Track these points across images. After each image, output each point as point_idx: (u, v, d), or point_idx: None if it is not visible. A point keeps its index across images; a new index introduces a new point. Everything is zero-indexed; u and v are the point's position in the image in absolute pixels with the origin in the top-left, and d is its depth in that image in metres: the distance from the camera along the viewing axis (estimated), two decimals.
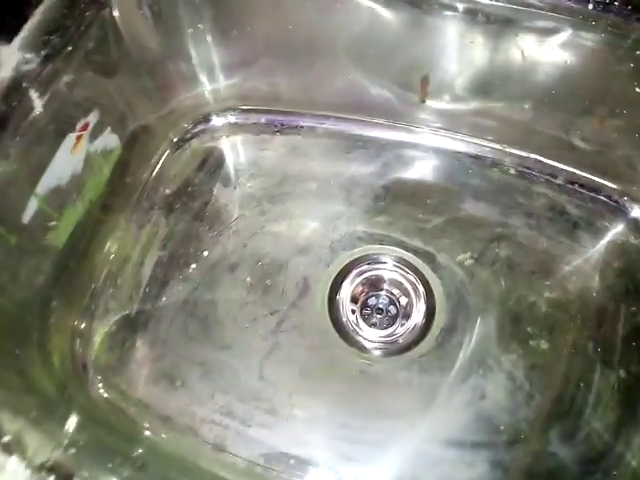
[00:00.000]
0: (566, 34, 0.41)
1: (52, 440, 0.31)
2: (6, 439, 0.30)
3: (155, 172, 0.49)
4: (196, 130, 0.51)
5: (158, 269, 0.47)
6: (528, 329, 0.44)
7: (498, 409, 0.41)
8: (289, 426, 0.41)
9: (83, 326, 0.44)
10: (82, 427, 0.34)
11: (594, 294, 0.45)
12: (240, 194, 0.50)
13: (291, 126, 0.51)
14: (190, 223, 0.49)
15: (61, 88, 0.38)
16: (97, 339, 0.44)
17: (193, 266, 0.47)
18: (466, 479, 0.39)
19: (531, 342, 0.43)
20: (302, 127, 0.52)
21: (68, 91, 0.39)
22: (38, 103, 0.37)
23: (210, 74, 0.49)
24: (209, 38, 0.46)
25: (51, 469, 0.29)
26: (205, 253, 0.47)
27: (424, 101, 0.46)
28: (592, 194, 0.47)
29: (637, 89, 0.41)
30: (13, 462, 0.29)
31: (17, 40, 0.37)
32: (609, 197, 0.47)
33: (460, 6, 0.41)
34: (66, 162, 0.41)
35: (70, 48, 0.38)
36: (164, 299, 0.45)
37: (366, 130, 0.51)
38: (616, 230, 0.47)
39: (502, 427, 0.40)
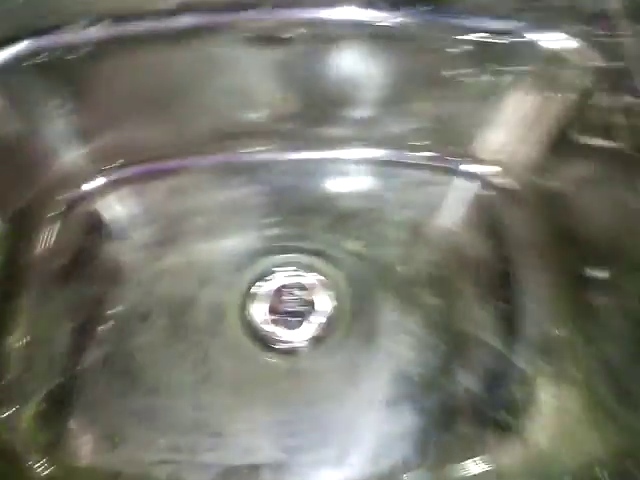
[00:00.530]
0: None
1: None
2: None
3: (44, 247, 0.50)
4: (75, 197, 0.53)
5: (70, 339, 0.48)
6: (418, 291, 0.50)
7: (410, 365, 0.47)
8: (235, 441, 0.44)
9: (6, 416, 0.44)
10: None
11: (462, 247, 0.52)
12: (132, 246, 0.52)
13: (168, 171, 0.54)
14: (91, 287, 0.50)
15: None
16: (24, 424, 0.44)
17: (104, 327, 0.48)
18: (401, 430, 0.44)
19: (422, 301, 0.50)
20: (180, 169, 0.55)
21: None
22: None
23: (77, 141, 0.51)
24: (69, 108, 0.48)
25: None
26: (113, 311, 0.49)
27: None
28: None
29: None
30: None
31: None
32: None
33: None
34: None
35: None
36: (83, 365, 0.46)
37: (244, 157, 0.56)
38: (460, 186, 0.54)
39: (416, 379, 0.46)
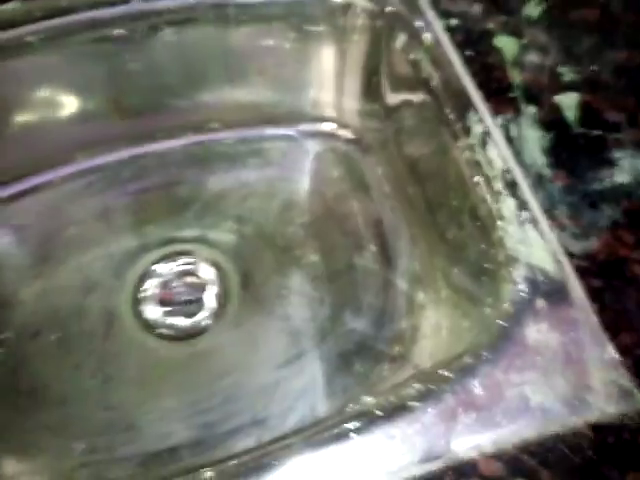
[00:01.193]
0: None
1: None
2: None
3: None
4: None
5: None
6: (298, 252, 0.53)
7: (303, 321, 0.50)
8: (150, 430, 0.46)
9: None
10: None
11: (329, 203, 0.55)
12: (12, 270, 0.52)
13: (24, 190, 0.54)
14: None
15: None
16: None
17: None
18: (304, 383, 0.47)
19: (303, 261, 0.53)
20: (37, 186, 0.55)
21: None
22: None
23: None
24: None
25: None
26: (2, 336, 0.49)
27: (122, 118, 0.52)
28: None
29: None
30: None
31: None
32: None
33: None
34: None
35: None
36: None
37: (98, 160, 0.56)
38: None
39: (310, 333, 0.49)
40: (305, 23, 0.46)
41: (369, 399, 0.46)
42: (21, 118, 0.48)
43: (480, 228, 0.38)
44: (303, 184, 0.56)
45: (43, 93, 0.48)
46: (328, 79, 0.52)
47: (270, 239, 0.54)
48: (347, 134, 0.56)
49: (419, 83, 0.42)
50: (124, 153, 0.55)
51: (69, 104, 0.50)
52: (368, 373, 0.48)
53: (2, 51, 0.42)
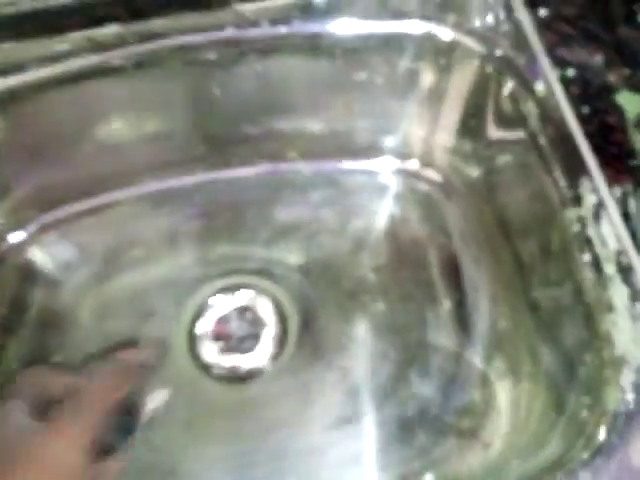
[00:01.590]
0: None
1: None
2: None
3: None
4: (3, 249, 0.51)
5: None
6: (365, 299, 0.49)
7: (362, 378, 0.46)
8: (192, 478, 0.43)
9: None
10: None
11: (405, 248, 0.51)
12: (71, 288, 0.51)
13: (92, 207, 0.52)
14: (33, 335, 0.49)
15: None
16: None
17: None
18: (359, 449, 0.43)
19: (369, 308, 0.49)
20: (111, 202, 0.53)
21: None
22: None
23: None
24: None
25: None
26: (57, 358, 0.48)
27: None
28: None
29: None
30: None
31: None
32: None
33: None
34: None
35: None
36: None
37: (170, 182, 0.54)
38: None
39: (370, 392, 0.45)
40: (403, 59, 0.42)
41: (428, 477, 0.42)
42: (100, 136, 0.47)
43: (583, 314, 0.32)
44: (378, 224, 0.52)
45: (124, 113, 0.46)
46: (420, 116, 0.47)
47: (337, 280, 0.50)
48: (433, 175, 0.51)
49: (525, 136, 0.37)
50: (197, 177, 0.53)
51: (149, 125, 0.48)
52: (430, 447, 0.44)
53: (93, 72, 0.41)
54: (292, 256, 0.51)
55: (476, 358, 0.46)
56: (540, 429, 0.38)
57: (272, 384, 0.46)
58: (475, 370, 0.45)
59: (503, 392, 0.44)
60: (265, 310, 0.49)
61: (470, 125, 0.45)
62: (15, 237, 0.51)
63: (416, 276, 0.49)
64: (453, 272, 0.49)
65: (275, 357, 0.48)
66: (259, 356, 0.48)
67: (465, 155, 0.47)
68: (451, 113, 0.45)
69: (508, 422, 0.43)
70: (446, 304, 0.48)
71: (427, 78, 0.44)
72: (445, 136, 0.47)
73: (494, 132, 0.42)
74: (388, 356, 0.47)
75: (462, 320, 0.47)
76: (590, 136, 0.35)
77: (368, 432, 0.44)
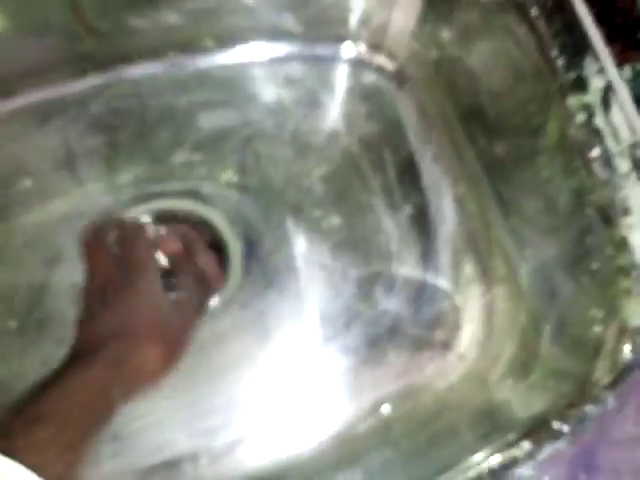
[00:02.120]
0: None
1: None
2: None
3: None
4: None
5: None
6: (313, 213, 0.43)
7: (324, 301, 0.41)
8: (142, 439, 0.38)
9: None
10: None
11: (355, 150, 0.44)
12: None
13: None
14: None
15: None
16: None
17: None
18: (329, 378, 0.40)
19: (323, 223, 0.43)
20: None
21: None
22: None
23: None
24: None
25: None
26: None
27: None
28: None
29: None
30: None
31: None
32: None
33: None
34: None
35: None
36: None
37: (57, 89, 0.42)
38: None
39: (333, 315, 0.40)
40: None
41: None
42: None
43: (593, 219, 0.28)
44: (324, 123, 0.44)
45: None
46: None
47: (279, 194, 0.43)
48: (385, 62, 0.44)
49: (511, 5, 0.30)
50: (89, 81, 0.41)
51: (20, 17, 0.36)
52: (404, 363, 0.41)
53: None
54: (223, 171, 0.43)
55: (444, 265, 0.42)
56: (527, 338, 0.35)
57: (220, 321, 0.40)
58: (444, 278, 0.42)
59: (475, 299, 0.41)
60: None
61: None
62: None
63: (372, 180, 0.43)
64: (413, 173, 0.43)
65: (219, 291, 0.41)
66: None
67: (422, 31, 0.40)
68: None
69: (482, 330, 0.41)
70: (407, 210, 0.43)
71: None
72: (401, 14, 0.39)
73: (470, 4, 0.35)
74: (348, 275, 0.42)
75: (425, 226, 0.43)
76: (592, 3, 0.29)
77: (336, 360, 0.40)
